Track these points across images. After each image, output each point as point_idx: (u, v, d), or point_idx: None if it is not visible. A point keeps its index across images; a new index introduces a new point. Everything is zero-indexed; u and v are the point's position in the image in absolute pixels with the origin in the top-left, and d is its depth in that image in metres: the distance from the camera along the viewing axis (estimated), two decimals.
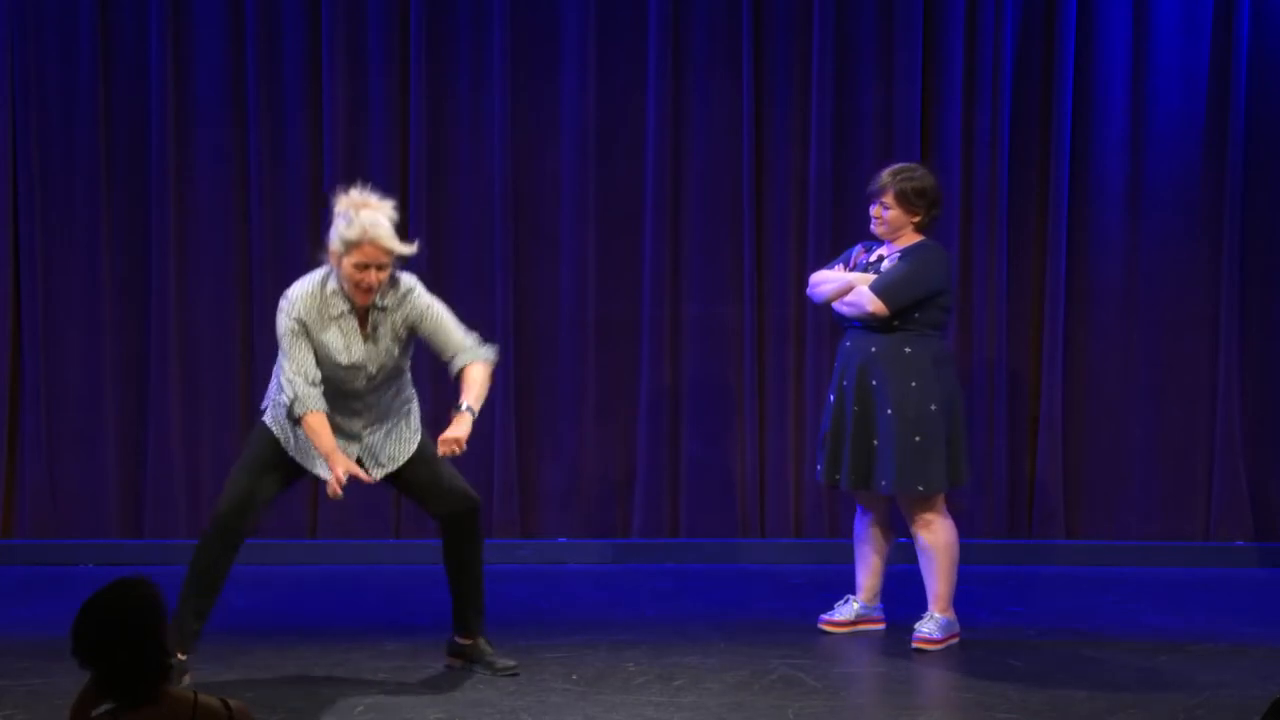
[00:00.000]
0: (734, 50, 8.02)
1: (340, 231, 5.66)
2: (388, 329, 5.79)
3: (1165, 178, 8.09)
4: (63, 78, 7.99)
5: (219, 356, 8.08)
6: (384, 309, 5.78)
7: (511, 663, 6.06)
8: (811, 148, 8.03)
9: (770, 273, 8.11)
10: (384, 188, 7.93)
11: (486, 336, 8.01)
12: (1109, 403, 8.16)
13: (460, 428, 5.71)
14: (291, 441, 5.85)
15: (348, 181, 7.75)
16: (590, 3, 8.01)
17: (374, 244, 5.64)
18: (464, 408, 5.76)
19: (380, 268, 5.67)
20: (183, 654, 5.74)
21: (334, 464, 5.63)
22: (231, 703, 3.71)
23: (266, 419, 5.90)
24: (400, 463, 5.93)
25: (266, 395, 5.98)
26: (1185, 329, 8.13)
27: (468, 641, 6.07)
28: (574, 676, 6.01)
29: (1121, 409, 8.16)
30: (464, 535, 5.96)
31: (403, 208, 8.00)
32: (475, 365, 5.85)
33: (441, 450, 5.72)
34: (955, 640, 6.51)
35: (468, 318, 8.08)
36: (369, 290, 5.69)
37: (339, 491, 5.61)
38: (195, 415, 8.07)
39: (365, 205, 5.71)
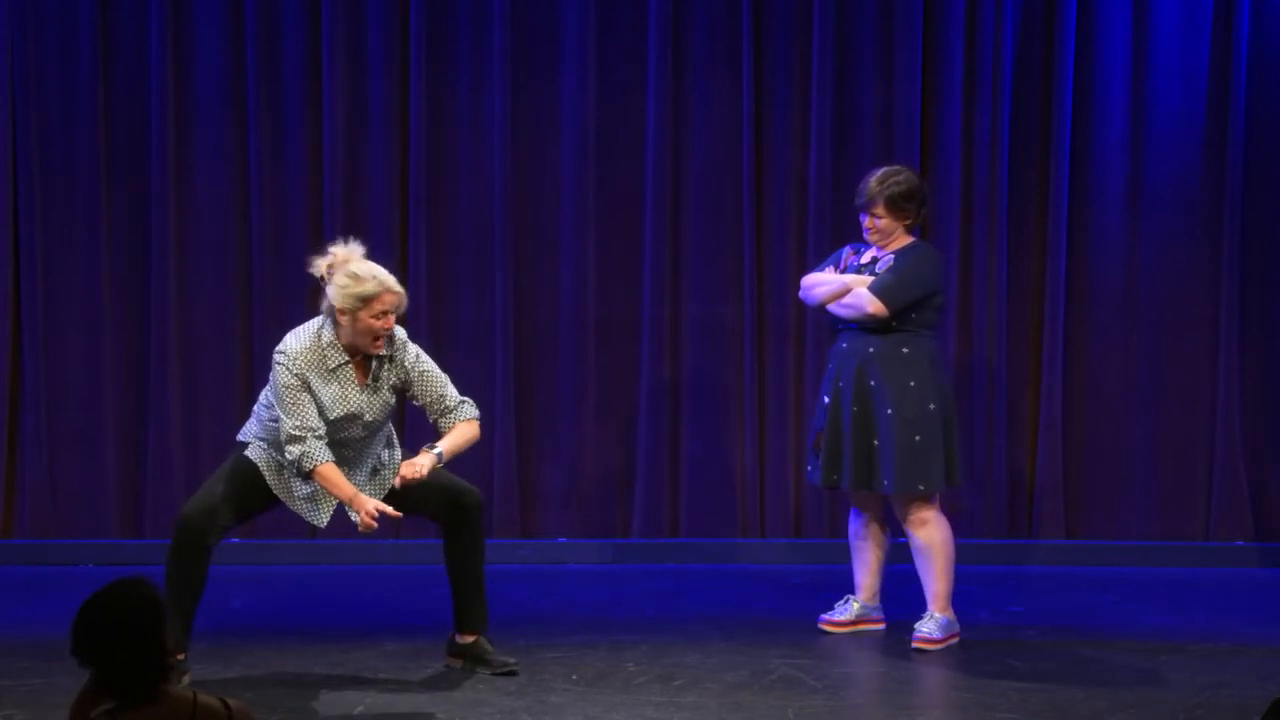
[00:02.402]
0: (734, 50, 8.02)
1: (352, 290, 5.70)
2: (386, 377, 5.85)
3: (1165, 178, 8.08)
4: (63, 78, 7.99)
5: (219, 356, 8.08)
6: (386, 357, 5.83)
7: (512, 661, 6.06)
8: (811, 148, 8.02)
9: (770, 273, 8.10)
10: (384, 188, 8.04)
11: (487, 336, 8.13)
12: (1109, 403, 8.16)
13: (423, 459, 5.79)
14: (274, 480, 5.87)
15: (347, 185, 8.00)
16: (590, 3, 8.01)
17: (390, 290, 5.74)
18: (435, 450, 5.83)
19: (395, 311, 5.77)
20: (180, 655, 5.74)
21: (360, 506, 5.68)
22: (231, 703, 3.70)
23: (250, 454, 5.89)
24: (388, 486, 5.94)
25: (244, 430, 5.99)
26: (1185, 329, 8.12)
27: (468, 641, 6.07)
28: (574, 676, 6.01)
29: (1121, 409, 8.15)
30: (465, 533, 5.98)
31: (403, 208, 8.09)
32: (470, 423, 5.93)
33: (402, 475, 5.75)
34: (955, 640, 6.51)
35: (468, 318, 8.17)
36: (388, 336, 5.78)
37: (373, 524, 5.65)
38: (195, 415, 8.07)
39: (353, 258, 5.77)
